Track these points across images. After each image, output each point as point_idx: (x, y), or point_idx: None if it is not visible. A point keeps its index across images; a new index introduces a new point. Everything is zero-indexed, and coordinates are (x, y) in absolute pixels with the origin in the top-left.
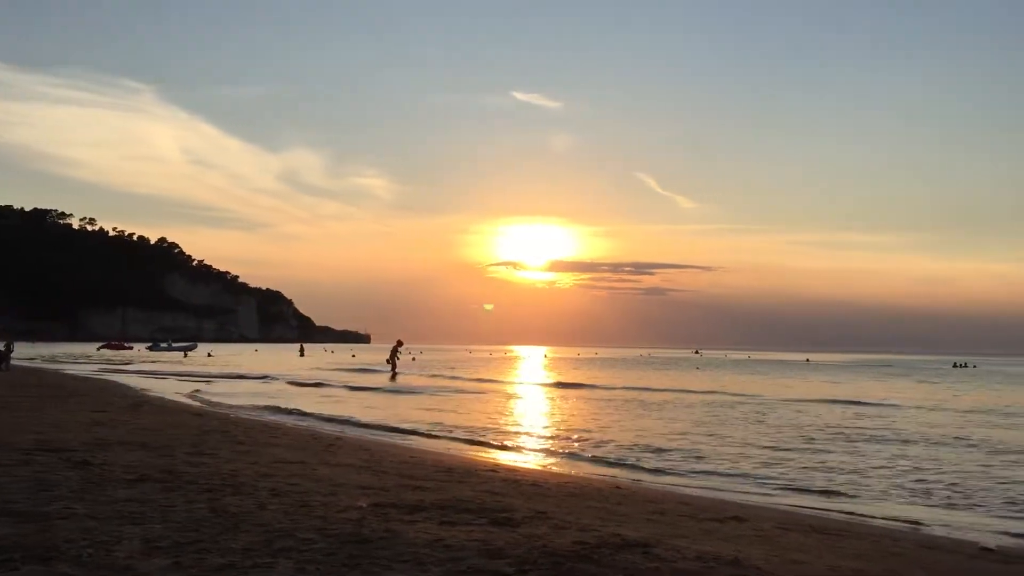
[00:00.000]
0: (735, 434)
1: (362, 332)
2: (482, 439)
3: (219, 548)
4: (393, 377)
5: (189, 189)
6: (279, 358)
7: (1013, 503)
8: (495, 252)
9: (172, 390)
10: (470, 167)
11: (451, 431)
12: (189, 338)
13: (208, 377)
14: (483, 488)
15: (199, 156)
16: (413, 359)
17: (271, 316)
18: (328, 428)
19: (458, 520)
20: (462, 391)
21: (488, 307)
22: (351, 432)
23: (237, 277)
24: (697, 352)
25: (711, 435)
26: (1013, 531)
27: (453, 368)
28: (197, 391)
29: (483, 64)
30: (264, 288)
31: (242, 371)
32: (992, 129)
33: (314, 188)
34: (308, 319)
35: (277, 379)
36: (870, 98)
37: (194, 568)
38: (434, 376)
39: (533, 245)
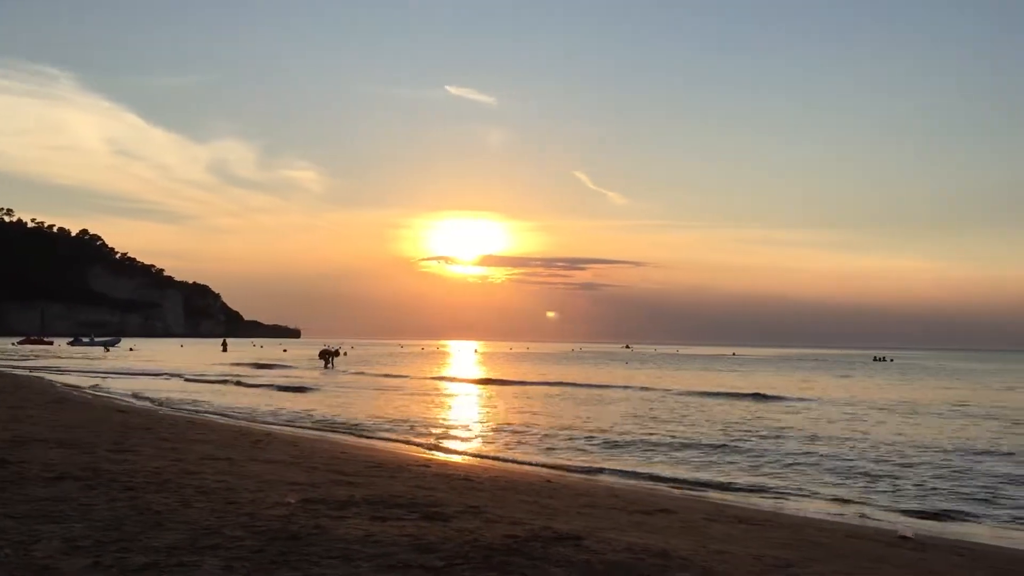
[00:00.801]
0: (659, 428)
1: (292, 327)
2: (411, 435)
3: (142, 547)
4: (327, 365)
5: (112, 180)
6: (201, 353)
7: (924, 493)
8: (427, 246)
9: (84, 385)
10: (402, 160)
11: (346, 424)
12: (112, 333)
13: (106, 373)
14: (414, 483)
15: (123, 146)
16: (344, 354)
17: (198, 310)
18: (257, 424)
19: (389, 515)
20: (384, 387)
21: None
22: (280, 429)
23: (163, 271)
24: (628, 347)
25: (637, 428)
26: (926, 519)
27: (381, 363)
28: (95, 386)
29: (416, 57)
30: (191, 282)
31: (148, 368)
32: (916, 132)
33: (243, 180)
34: (236, 313)
35: (178, 376)
36: (802, 98)
37: (115, 567)
38: (357, 374)
39: (465, 240)
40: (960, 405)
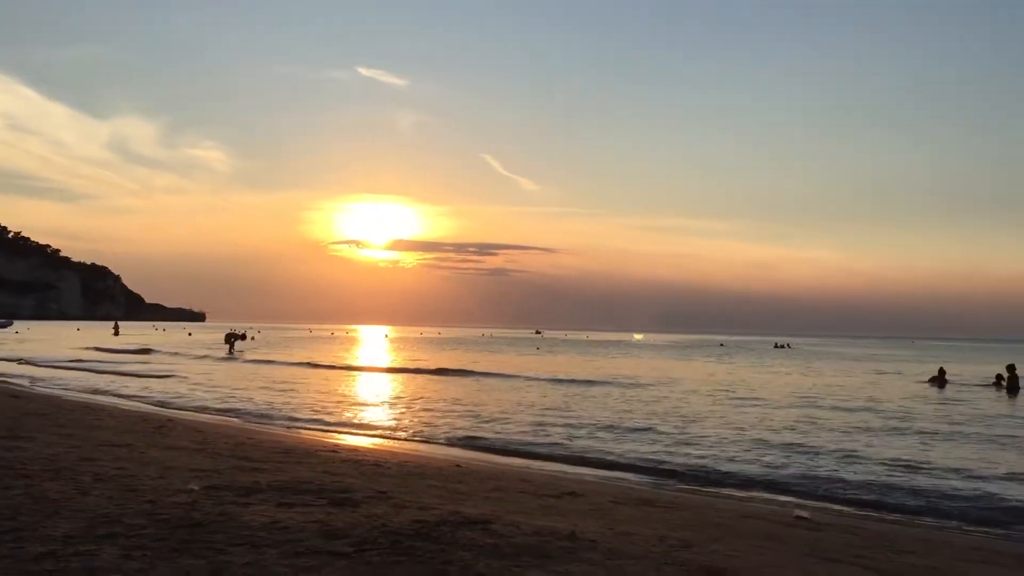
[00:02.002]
0: (570, 413)
1: (197, 310)
2: (317, 421)
3: (37, 536)
4: (231, 352)
5: (4, 156)
6: (92, 336)
7: (815, 475)
8: (338, 230)
9: None
10: (313, 142)
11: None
12: (3, 316)
13: None
14: (323, 469)
15: (16, 121)
16: (252, 339)
17: (96, 293)
18: (157, 409)
19: (296, 501)
20: (280, 374)
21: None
22: (184, 415)
23: (58, 251)
24: (538, 332)
25: (548, 414)
26: (818, 501)
27: (287, 348)
28: None
29: (327, 36)
30: (89, 263)
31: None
32: (827, 125)
33: (146, 159)
34: (138, 296)
35: (33, 361)
36: (715, 90)
37: (10, 557)
38: (254, 362)
39: (376, 223)
40: (794, 391)
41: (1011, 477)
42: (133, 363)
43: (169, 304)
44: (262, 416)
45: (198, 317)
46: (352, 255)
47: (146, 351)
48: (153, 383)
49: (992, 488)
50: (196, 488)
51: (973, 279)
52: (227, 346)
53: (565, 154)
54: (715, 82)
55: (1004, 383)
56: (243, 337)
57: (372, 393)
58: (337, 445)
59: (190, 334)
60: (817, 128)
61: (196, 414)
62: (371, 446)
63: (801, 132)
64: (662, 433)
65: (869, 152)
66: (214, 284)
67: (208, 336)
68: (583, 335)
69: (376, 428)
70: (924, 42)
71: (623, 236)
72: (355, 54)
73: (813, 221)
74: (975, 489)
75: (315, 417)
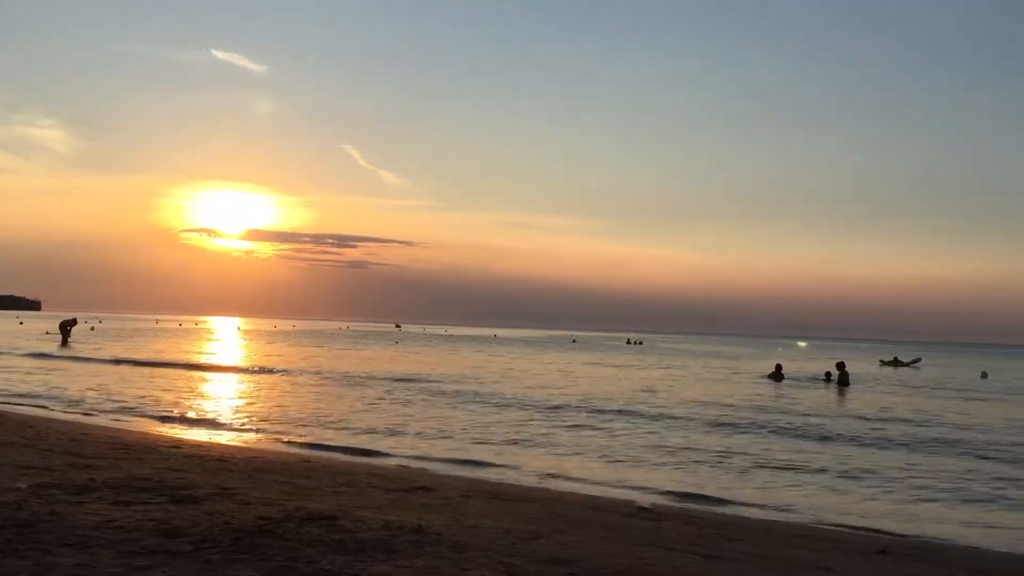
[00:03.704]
0: (412, 411)
1: (31, 298)
2: (154, 415)
3: None
4: (65, 342)
5: None
6: None
7: (661, 464)
8: (189, 218)
9: None
10: (163, 126)
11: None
12: None
13: None
14: (163, 465)
15: None
16: (91, 328)
17: None
18: None
19: (133, 499)
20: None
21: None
22: (13, 408)
23: None
24: (398, 326)
25: (394, 412)
26: (661, 490)
27: (131, 339)
28: None
29: (179, 16)
30: None
31: None
32: (686, 127)
33: None
34: None
35: None
36: (579, 88)
37: None
38: (80, 359)
39: (230, 212)
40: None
41: (830, 468)
42: None
43: None
44: (92, 408)
45: (32, 305)
46: (204, 244)
47: None
48: None
49: (821, 479)
50: (23, 486)
51: (824, 280)
52: (61, 335)
53: (427, 148)
54: (577, 80)
55: (832, 379)
56: (74, 322)
57: (218, 389)
58: (180, 441)
59: (21, 323)
60: (676, 129)
61: (24, 407)
62: (216, 442)
63: (660, 133)
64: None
65: (725, 153)
66: (52, 271)
67: (42, 325)
68: (442, 329)
69: (222, 425)
70: (779, 46)
71: (485, 231)
72: (210, 36)
73: (671, 220)
74: (803, 480)
75: (158, 412)
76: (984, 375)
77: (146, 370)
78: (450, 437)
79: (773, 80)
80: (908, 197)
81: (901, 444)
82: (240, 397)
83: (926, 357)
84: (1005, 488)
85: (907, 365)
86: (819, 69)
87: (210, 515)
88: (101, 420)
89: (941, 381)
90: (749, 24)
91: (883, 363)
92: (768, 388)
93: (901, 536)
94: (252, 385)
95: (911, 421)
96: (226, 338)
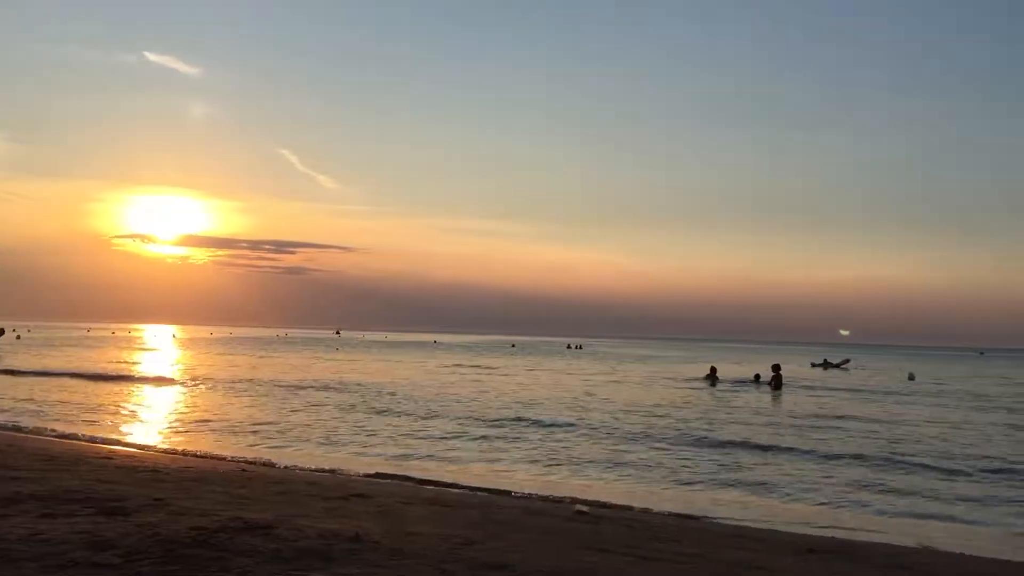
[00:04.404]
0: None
1: None
2: (82, 427)
3: None
4: None
5: None
6: None
7: (608, 464)
8: (122, 223)
9: None
10: (95, 130)
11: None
12: None
13: None
14: (93, 477)
15: None
16: (18, 337)
17: None
18: None
19: (61, 512)
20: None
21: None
22: None
23: None
24: (338, 333)
25: (326, 420)
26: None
27: (60, 348)
28: None
29: (111, 18)
30: None
31: None
32: (615, 135)
33: None
34: None
35: None
36: (510, 92)
37: None
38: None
39: (165, 218)
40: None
41: (759, 473)
42: None
43: None
44: (13, 420)
45: None
46: (138, 250)
47: None
48: None
49: (757, 475)
50: None
51: (760, 283)
52: None
53: (367, 152)
54: (517, 86)
55: (763, 380)
56: (1, 332)
57: (149, 399)
58: (111, 452)
59: None
60: (613, 133)
61: None
62: (149, 453)
63: (598, 137)
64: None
65: (664, 158)
66: None
67: None
68: (382, 335)
69: (153, 435)
70: (713, 49)
71: (426, 237)
72: (143, 39)
73: (609, 225)
74: (732, 482)
75: (83, 424)
76: (911, 377)
77: (69, 381)
78: (378, 445)
79: (709, 84)
80: (843, 201)
81: (825, 452)
82: (171, 406)
83: (857, 359)
84: (924, 489)
85: (837, 367)
86: (755, 73)
87: (141, 527)
88: (27, 432)
89: (869, 383)
90: (683, 26)
91: (814, 365)
92: (702, 393)
93: (828, 536)
94: (182, 394)
95: (838, 428)
96: (159, 347)
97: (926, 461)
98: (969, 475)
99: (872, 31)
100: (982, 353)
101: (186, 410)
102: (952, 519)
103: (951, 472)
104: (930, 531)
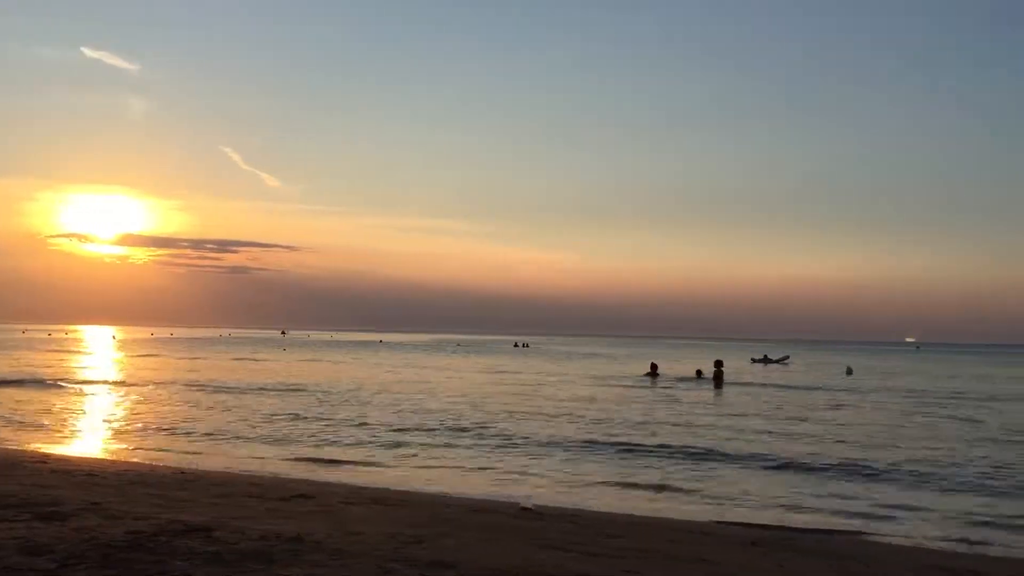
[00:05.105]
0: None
1: None
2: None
3: None
4: None
5: None
6: None
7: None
8: (58, 222)
9: None
10: (30, 127)
11: None
12: None
13: None
14: (29, 481)
15: None
16: None
17: None
18: None
19: None
20: None
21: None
22: None
23: None
24: (283, 333)
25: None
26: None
27: None
28: None
29: (47, 11)
30: None
31: None
32: (560, 133)
33: None
34: None
35: None
36: (461, 89)
37: None
38: None
39: (103, 217)
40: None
41: (698, 472)
42: None
43: None
44: None
45: None
46: (75, 249)
47: None
48: None
49: (698, 475)
50: None
51: (703, 280)
52: None
53: (310, 150)
54: (461, 83)
55: (704, 376)
56: None
57: (85, 402)
58: (47, 456)
59: None
60: (558, 130)
61: None
62: (85, 457)
63: (543, 134)
64: None
65: (608, 155)
66: None
67: None
68: (328, 335)
69: (89, 438)
70: (666, 46)
71: (371, 236)
72: (79, 33)
73: (554, 222)
74: (685, 474)
75: (18, 429)
76: (849, 371)
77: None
78: (331, 444)
79: (659, 81)
80: (787, 199)
81: (764, 454)
82: (107, 410)
83: (797, 355)
84: (861, 483)
85: (776, 362)
86: (707, 70)
87: (77, 531)
88: None
89: (806, 378)
90: (635, 24)
91: (754, 360)
92: (643, 390)
93: (769, 528)
94: (119, 397)
95: (781, 431)
96: (96, 349)
97: (861, 458)
98: (903, 470)
99: (836, 31)
100: (919, 348)
101: (123, 413)
102: (891, 517)
103: (884, 470)
104: (869, 524)
